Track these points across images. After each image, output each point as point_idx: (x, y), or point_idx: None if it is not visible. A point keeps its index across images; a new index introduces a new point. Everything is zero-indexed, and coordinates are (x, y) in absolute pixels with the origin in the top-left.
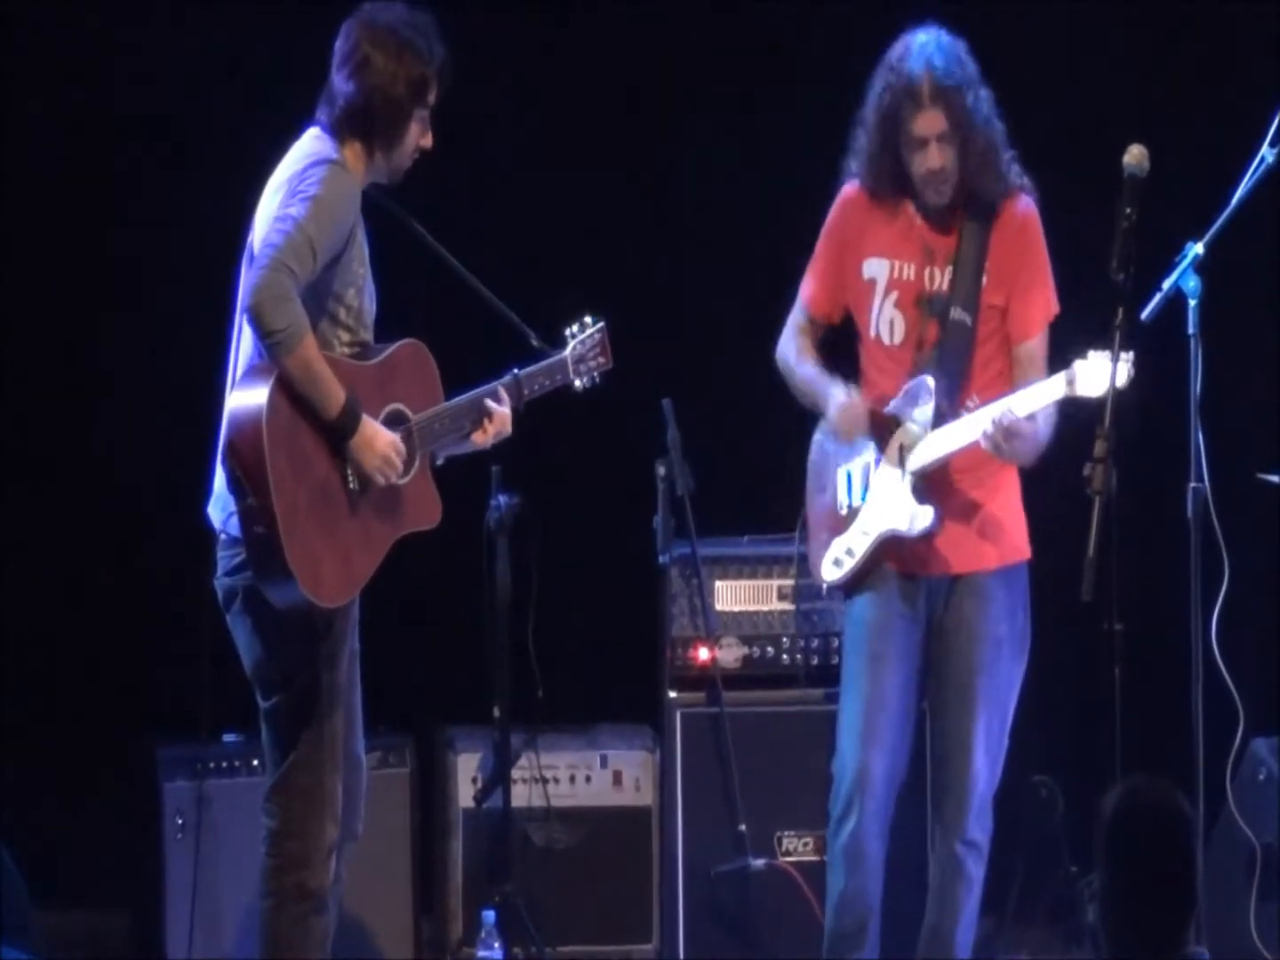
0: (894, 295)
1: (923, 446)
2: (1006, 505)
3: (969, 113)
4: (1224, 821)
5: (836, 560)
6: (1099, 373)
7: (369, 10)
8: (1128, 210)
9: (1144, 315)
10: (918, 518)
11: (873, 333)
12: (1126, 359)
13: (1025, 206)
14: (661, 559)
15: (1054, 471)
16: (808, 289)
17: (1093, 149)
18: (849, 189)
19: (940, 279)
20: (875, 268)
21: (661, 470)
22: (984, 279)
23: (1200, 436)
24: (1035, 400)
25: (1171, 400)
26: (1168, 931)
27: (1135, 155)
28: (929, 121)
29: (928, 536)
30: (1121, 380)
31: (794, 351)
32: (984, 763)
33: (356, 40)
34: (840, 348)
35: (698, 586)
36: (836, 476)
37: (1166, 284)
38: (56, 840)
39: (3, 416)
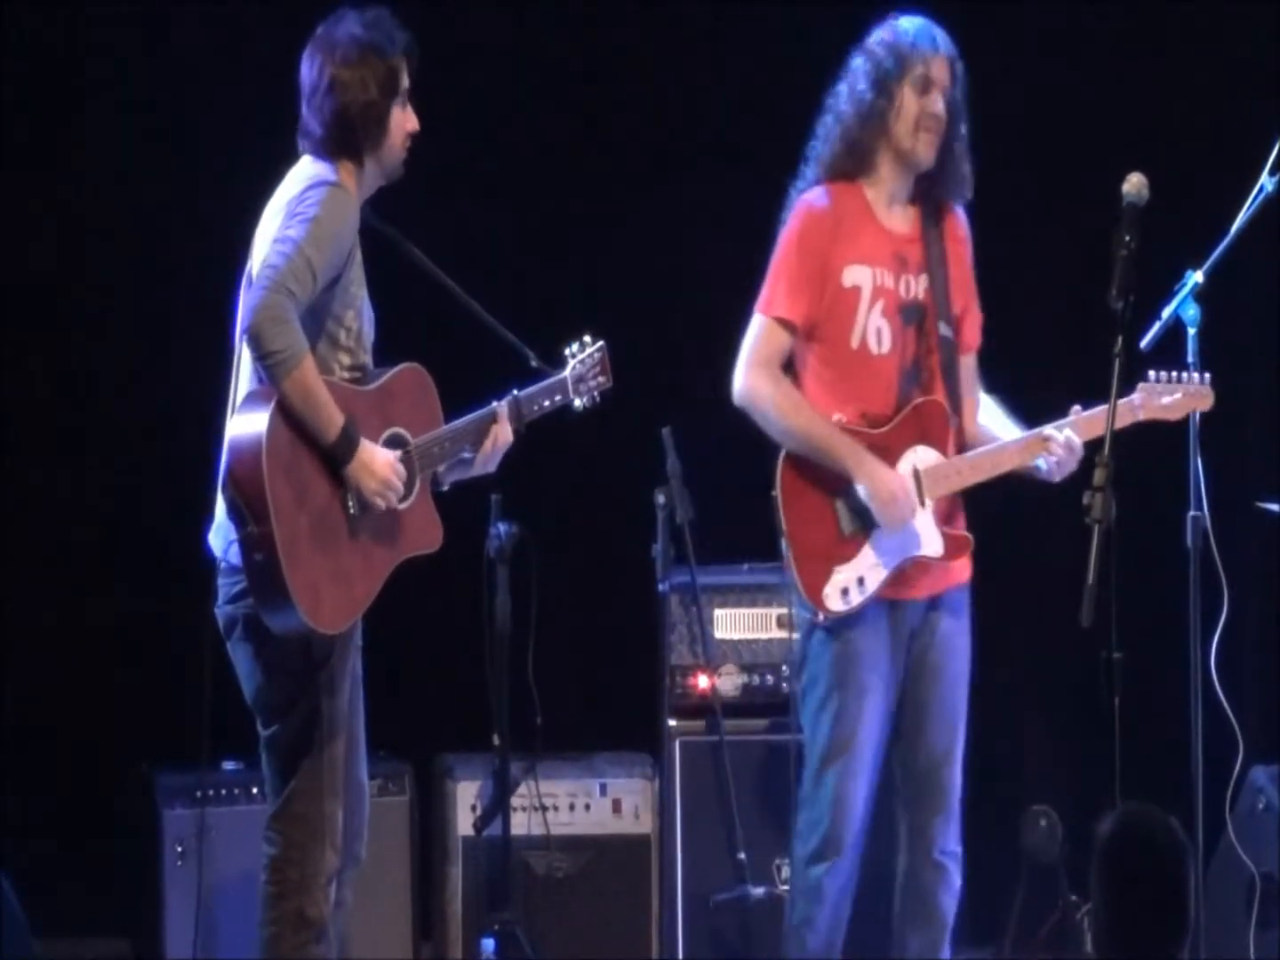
0: (880, 303)
1: (953, 473)
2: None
3: (963, 89)
4: (1223, 850)
5: (845, 590)
6: (1164, 394)
7: (324, 31)
8: (1127, 238)
9: (1143, 344)
10: (950, 543)
11: (855, 342)
12: (1204, 386)
13: (964, 218)
14: (661, 587)
15: (1053, 499)
16: (787, 304)
17: (1092, 177)
18: (808, 198)
19: (914, 287)
20: (858, 275)
21: (661, 499)
22: (951, 288)
23: (1199, 465)
24: (1097, 424)
25: (1171, 428)
26: (1161, 957)
27: (1134, 184)
28: (940, 69)
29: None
30: (1206, 405)
31: (787, 392)
32: (960, 772)
33: (320, 63)
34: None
35: (697, 615)
36: (833, 504)
37: (1166, 312)
38: (56, 869)
39: (1, 444)
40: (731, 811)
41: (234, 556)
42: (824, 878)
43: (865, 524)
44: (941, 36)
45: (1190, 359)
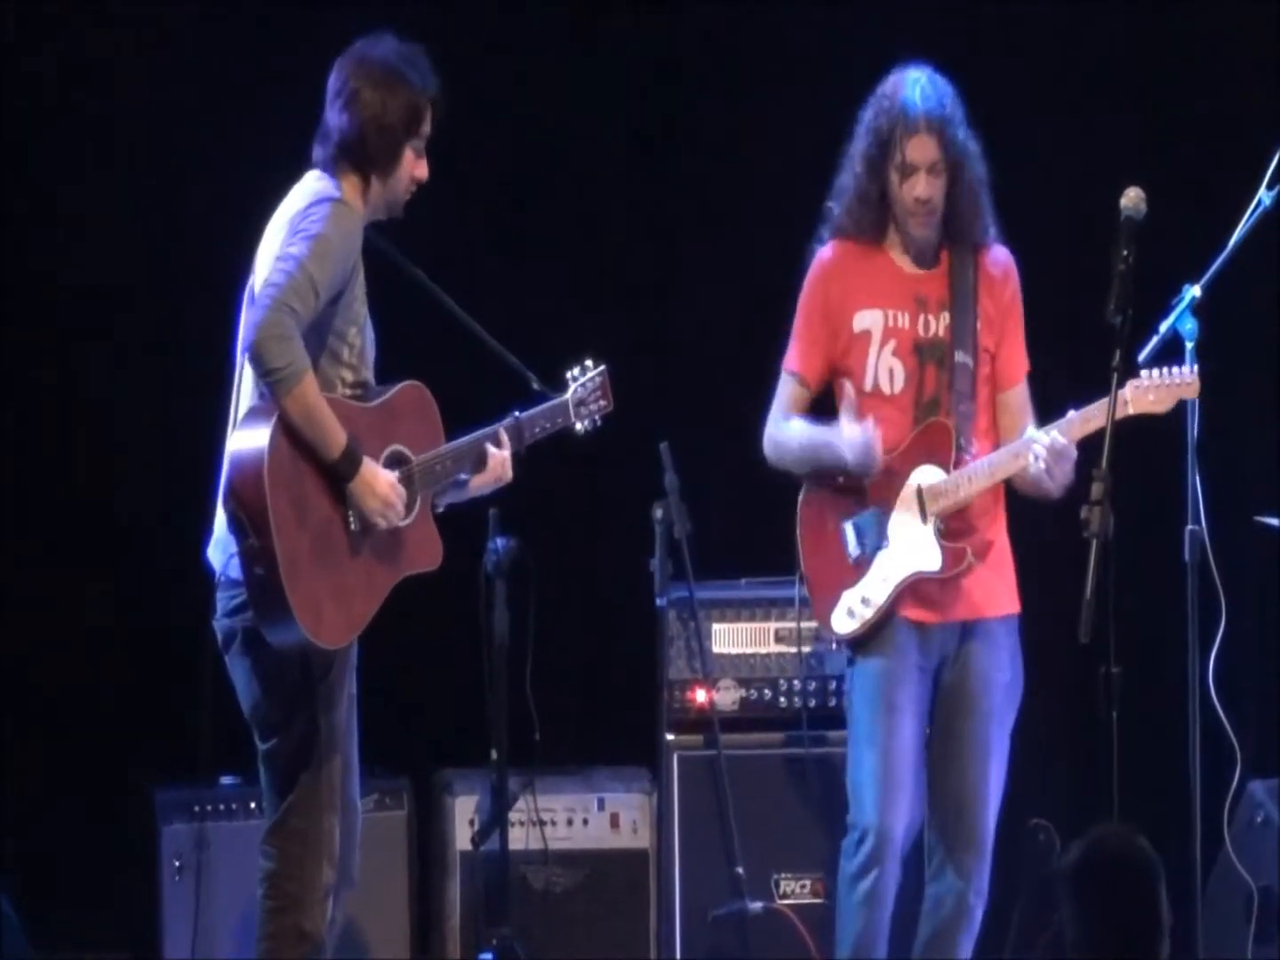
0: (891, 344)
1: (950, 487)
2: (1007, 553)
3: (960, 145)
4: (1221, 864)
5: (850, 611)
6: (1151, 389)
7: (359, 47)
8: (1124, 252)
9: (1141, 358)
10: (948, 556)
11: (869, 384)
12: (1188, 374)
13: (1008, 256)
14: (659, 602)
15: (1051, 514)
16: (800, 360)
17: (1090, 191)
18: (824, 251)
19: (935, 326)
20: (868, 319)
21: (659, 513)
22: (979, 322)
23: (1197, 479)
24: (1088, 423)
25: (1169, 443)
26: None
27: (1132, 198)
28: (920, 148)
29: (952, 579)
30: (1192, 394)
31: (782, 425)
32: (994, 811)
33: (347, 76)
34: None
35: (695, 629)
36: (843, 529)
37: (1163, 326)
38: (55, 883)
39: (1, 457)
40: (729, 826)
41: (234, 570)
42: (872, 887)
43: (870, 548)
44: (923, 105)
45: None
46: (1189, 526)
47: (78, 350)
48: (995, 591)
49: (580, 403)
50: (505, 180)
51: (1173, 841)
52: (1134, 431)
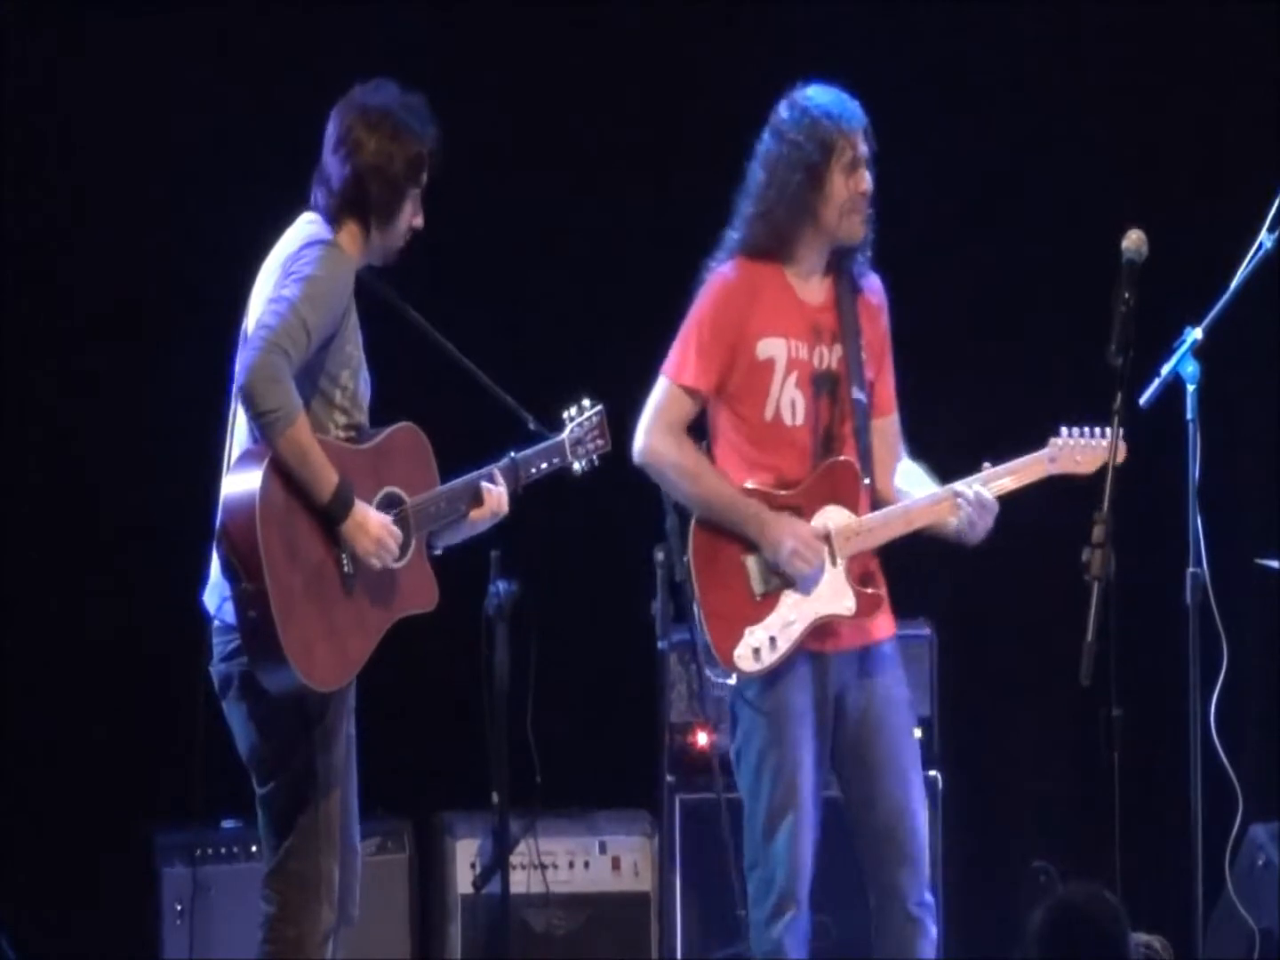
0: (794, 375)
1: (864, 530)
2: (881, 574)
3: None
4: (1223, 907)
5: (757, 650)
6: (1077, 449)
7: (360, 93)
8: (1126, 295)
9: (1142, 400)
10: (862, 601)
11: (769, 414)
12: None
13: (879, 283)
14: (660, 644)
15: (1052, 556)
16: (699, 375)
17: (1091, 233)
18: (724, 271)
19: (828, 357)
20: (772, 347)
21: (660, 556)
22: (864, 354)
23: (1199, 521)
24: (1016, 479)
25: (1170, 485)
26: None
27: (1133, 240)
28: (863, 144)
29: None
30: (1120, 457)
31: (689, 456)
32: (923, 820)
33: (349, 123)
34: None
35: (696, 672)
36: (745, 564)
37: (1165, 369)
38: (54, 927)
39: None
40: (730, 869)
41: (228, 615)
42: (784, 935)
43: (776, 585)
44: (856, 105)
45: (1189, 416)
46: (1190, 569)
47: (75, 391)
48: (884, 616)
49: (577, 442)
50: (501, 219)
51: (1175, 884)
52: (1134, 473)
